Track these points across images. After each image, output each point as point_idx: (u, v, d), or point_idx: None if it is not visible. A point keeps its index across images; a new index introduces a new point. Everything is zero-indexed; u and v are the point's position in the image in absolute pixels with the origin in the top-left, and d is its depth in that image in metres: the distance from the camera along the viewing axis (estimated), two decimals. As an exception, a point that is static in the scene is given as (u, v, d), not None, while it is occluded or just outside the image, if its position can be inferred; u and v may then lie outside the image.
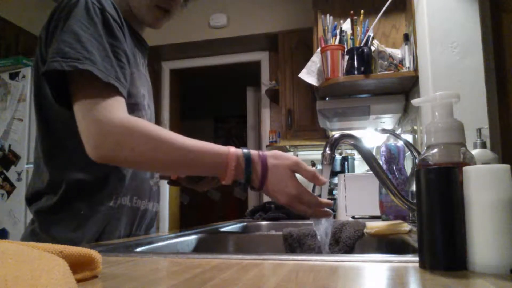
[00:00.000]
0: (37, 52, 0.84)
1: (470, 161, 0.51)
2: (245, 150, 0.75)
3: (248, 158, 0.74)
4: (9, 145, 2.75)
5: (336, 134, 0.83)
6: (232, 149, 0.74)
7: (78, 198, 0.82)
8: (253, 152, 0.75)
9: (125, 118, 0.73)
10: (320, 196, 0.79)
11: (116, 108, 0.73)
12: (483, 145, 1.10)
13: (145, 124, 0.73)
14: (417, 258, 0.46)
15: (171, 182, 1.19)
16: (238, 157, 0.74)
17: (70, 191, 0.82)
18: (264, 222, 1.50)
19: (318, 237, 0.78)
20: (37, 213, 0.84)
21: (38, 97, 0.86)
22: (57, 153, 0.84)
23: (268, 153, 0.77)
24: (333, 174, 2.25)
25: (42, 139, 0.86)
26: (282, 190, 0.75)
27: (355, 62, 1.64)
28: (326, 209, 0.78)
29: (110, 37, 0.78)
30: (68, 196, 0.82)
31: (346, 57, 1.69)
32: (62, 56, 0.71)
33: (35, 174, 0.88)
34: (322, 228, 0.78)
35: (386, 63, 1.61)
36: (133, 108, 0.86)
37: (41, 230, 0.82)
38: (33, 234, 0.82)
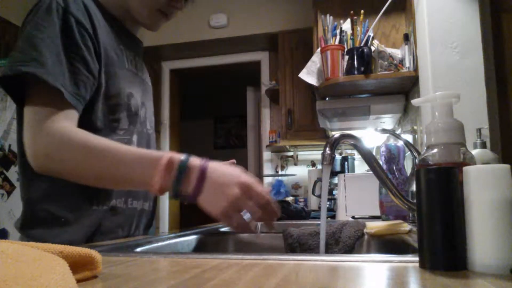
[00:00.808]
0: None
1: (470, 161, 0.51)
2: (183, 158, 0.66)
3: (183, 167, 0.65)
4: (9, 145, 2.75)
5: (336, 134, 0.83)
6: (166, 156, 0.66)
7: (52, 205, 0.80)
8: (193, 162, 0.66)
9: (60, 129, 0.70)
10: (319, 196, 0.79)
11: (55, 117, 0.71)
12: (483, 145, 1.10)
13: (79, 135, 0.71)
14: (417, 258, 0.46)
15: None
16: (172, 164, 0.66)
17: (43, 199, 0.80)
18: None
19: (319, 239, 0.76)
20: (21, 229, 0.82)
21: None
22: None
23: (216, 165, 0.67)
24: (333, 174, 2.25)
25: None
26: (225, 193, 0.64)
27: (355, 62, 1.64)
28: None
29: (67, 40, 0.75)
30: (42, 205, 0.80)
31: (346, 57, 1.69)
32: (10, 61, 0.71)
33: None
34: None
35: (386, 63, 1.61)
36: (114, 109, 0.84)
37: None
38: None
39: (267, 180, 3.43)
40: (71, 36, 0.76)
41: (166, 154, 0.67)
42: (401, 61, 1.65)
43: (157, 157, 0.67)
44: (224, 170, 0.66)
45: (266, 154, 3.53)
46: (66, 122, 0.72)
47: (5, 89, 0.75)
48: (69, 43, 0.75)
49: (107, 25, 0.86)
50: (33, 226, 0.80)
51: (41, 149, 0.70)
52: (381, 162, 1.20)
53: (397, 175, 1.21)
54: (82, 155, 0.70)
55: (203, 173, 0.65)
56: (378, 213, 1.24)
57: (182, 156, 0.67)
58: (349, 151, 2.86)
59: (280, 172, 3.46)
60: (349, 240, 0.90)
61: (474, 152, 1.07)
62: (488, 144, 1.15)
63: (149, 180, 0.66)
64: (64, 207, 0.80)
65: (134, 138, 0.91)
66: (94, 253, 0.42)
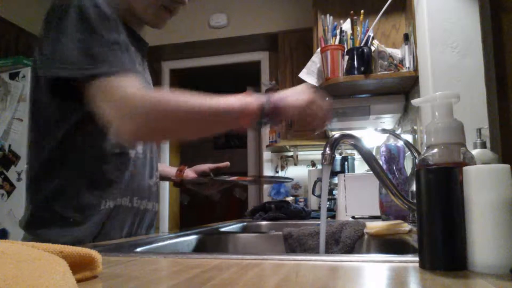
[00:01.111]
0: (36, 54, 0.83)
1: (470, 161, 0.51)
2: (264, 100, 0.77)
3: (267, 106, 0.77)
4: (9, 145, 2.75)
5: (336, 134, 0.83)
6: (252, 105, 0.77)
7: (60, 205, 0.82)
8: (272, 99, 0.78)
9: (146, 95, 0.73)
10: (319, 196, 0.79)
11: (131, 84, 0.73)
12: (483, 145, 1.10)
13: (173, 98, 0.74)
14: (417, 258, 0.46)
15: (176, 184, 1.21)
16: (260, 106, 0.77)
17: (51, 199, 0.81)
18: (264, 222, 1.50)
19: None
20: (27, 228, 0.83)
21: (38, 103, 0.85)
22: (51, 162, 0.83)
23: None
24: (333, 174, 2.24)
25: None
26: (302, 96, 0.80)
27: (355, 62, 1.64)
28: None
29: (112, 33, 0.77)
30: (50, 205, 0.81)
31: (346, 57, 1.68)
32: (71, 62, 0.72)
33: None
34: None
35: (386, 63, 1.61)
36: None
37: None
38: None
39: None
40: (113, 29, 0.79)
41: (249, 99, 0.77)
42: (401, 61, 1.65)
43: (245, 104, 0.76)
44: (292, 94, 0.81)
45: (266, 154, 3.53)
46: (143, 89, 0.75)
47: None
48: (116, 36, 0.78)
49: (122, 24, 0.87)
50: (39, 226, 0.81)
51: (142, 120, 0.72)
52: (381, 162, 1.20)
53: (397, 175, 1.21)
54: (183, 115, 0.74)
55: (278, 107, 0.78)
56: (378, 213, 1.24)
57: (262, 98, 0.78)
58: (349, 151, 2.86)
59: (280, 172, 3.46)
60: (349, 240, 0.90)
61: (474, 152, 1.07)
62: (488, 144, 1.14)
63: (239, 123, 0.78)
64: (71, 207, 0.81)
65: None
66: (94, 253, 0.42)
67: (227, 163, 1.26)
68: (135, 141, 0.76)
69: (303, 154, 3.40)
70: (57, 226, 0.81)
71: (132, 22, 0.94)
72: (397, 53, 1.68)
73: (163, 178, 1.21)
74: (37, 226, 0.82)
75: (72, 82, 0.75)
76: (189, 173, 1.24)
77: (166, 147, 3.76)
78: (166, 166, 1.37)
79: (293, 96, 0.81)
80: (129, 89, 0.72)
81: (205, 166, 1.25)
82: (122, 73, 0.74)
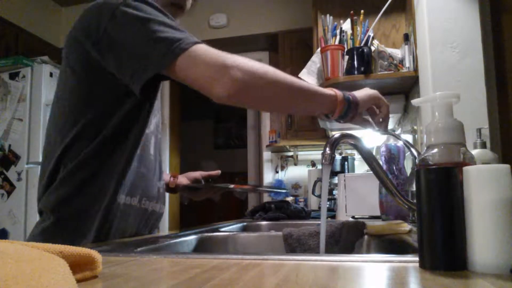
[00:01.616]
0: (76, 54, 0.83)
1: (470, 161, 0.51)
2: (347, 96, 0.86)
3: (349, 103, 0.86)
4: (9, 145, 2.75)
5: (336, 134, 0.83)
6: (339, 94, 0.85)
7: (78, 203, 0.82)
8: (351, 97, 0.87)
9: (241, 63, 0.75)
10: (319, 196, 0.79)
11: (222, 54, 0.76)
12: (483, 145, 1.10)
13: (270, 69, 0.79)
14: (417, 258, 0.46)
15: (169, 190, 1.21)
16: (343, 100, 0.85)
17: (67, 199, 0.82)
18: (264, 222, 1.50)
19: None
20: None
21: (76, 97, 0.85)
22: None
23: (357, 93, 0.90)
24: (333, 174, 2.24)
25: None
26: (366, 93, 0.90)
27: (355, 62, 1.64)
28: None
29: (165, 18, 0.79)
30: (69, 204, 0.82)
31: (346, 57, 1.68)
32: (172, 42, 0.74)
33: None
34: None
35: (386, 63, 1.61)
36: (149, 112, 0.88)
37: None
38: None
39: (267, 180, 3.43)
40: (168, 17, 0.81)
41: (336, 92, 0.85)
42: (401, 61, 1.65)
43: (332, 95, 0.85)
44: (363, 93, 0.90)
45: (266, 154, 3.53)
46: (230, 55, 0.77)
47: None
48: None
49: None
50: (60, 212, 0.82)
51: (236, 72, 0.74)
52: (381, 162, 1.20)
53: (397, 175, 1.21)
54: (274, 87, 0.79)
55: (357, 103, 0.87)
56: (378, 213, 1.24)
57: (345, 95, 0.86)
58: (349, 151, 2.86)
59: (280, 172, 3.46)
60: (349, 240, 0.90)
61: (474, 152, 1.07)
62: (488, 144, 1.14)
63: (324, 109, 0.86)
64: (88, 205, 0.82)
65: (152, 139, 0.94)
66: (94, 253, 0.42)
67: (218, 171, 1.29)
68: (230, 102, 0.78)
69: (303, 154, 3.40)
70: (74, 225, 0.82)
71: None
72: (397, 53, 1.68)
73: None
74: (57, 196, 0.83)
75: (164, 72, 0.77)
76: (182, 179, 1.25)
77: (166, 147, 3.76)
78: None
79: (362, 92, 0.90)
80: (221, 54, 0.76)
81: (197, 173, 1.27)
82: (200, 44, 0.76)
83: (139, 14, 0.76)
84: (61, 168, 0.83)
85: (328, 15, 1.82)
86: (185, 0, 0.93)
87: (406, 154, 1.30)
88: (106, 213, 0.83)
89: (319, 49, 1.77)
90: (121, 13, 0.76)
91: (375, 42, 1.75)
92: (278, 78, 0.78)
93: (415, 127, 1.60)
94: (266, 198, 3.28)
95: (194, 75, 0.76)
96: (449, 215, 0.43)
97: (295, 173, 3.40)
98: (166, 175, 1.24)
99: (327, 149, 0.80)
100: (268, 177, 3.45)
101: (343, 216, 1.63)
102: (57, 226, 0.81)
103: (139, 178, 0.89)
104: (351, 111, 0.86)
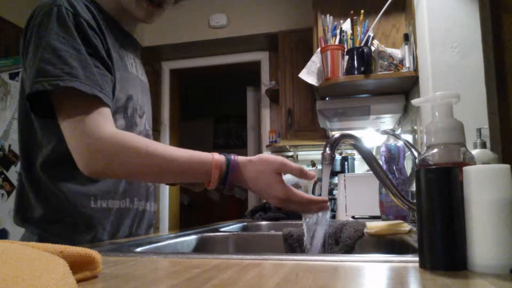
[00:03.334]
0: (21, 61, 0.83)
1: (470, 161, 0.51)
2: (228, 158, 0.77)
3: (228, 166, 0.76)
4: (9, 145, 2.74)
5: (336, 134, 0.83)
6: (216, 157, 0.76)
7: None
8: (235, 160, 0.77)
9: (113, 134, 0.73)
10: (320, 195, 0.80)
11: (103, 123, 0.74)
12: (483, 145, 1.10)
13: (132, 138, 0.75)
14: (417, 258, 0.46)
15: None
16: (221, 165, 0.76)
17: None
18: (264, 222, 1.50)
19: (304, 238, 0.80)
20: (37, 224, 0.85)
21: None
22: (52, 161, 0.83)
23: (254, 158, 0.79)
24: (333, 174, 2.24)
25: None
26: (270, 194, 0.77)
27: (355, 62, 1.63)
28: (323, 203, 0.79)
29: (87, 46, 0.77)
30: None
31: (346, 57, 1.68)
32: (44, 75, 0.71)
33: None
34: (312, 228, 0.79)
35: (386, 63, 1.61)
36: (114, 112, 0.85)
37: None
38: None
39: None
40: (89, 41, 0.77)
41: (211, 154, 0.77)
42: (401, 61, 1.65)
43: (207, 158, 0.76)
44: (256, 162, 0.79)
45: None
46: (113, 126, 0.76)
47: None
48: (90, 49, 0.77)
49: (107, 27, 0.85)
50: (46, 223, 0.83)
51: (101, 155, 0.73)
52: (381, 162, 1.20)
53: (397, 175, 1.21)
54: (140, 159, 0.74)
55: (246, 170, 0.78)
56: (378, 213, 1.24)
57: (226, 156, 0.78)
58: (349, 151, 2.86)
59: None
60: (349, 240, 0.90)
61: (474, 152, 1.07)
62: (488, 144, 1.14)
63: (203, 178, 0.77)
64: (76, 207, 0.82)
65: None
66: (94, 253, 0.42)
67: None
68: (94, 176, 0.77)
69: (303, 154, 3.40)
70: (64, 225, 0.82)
71: (124, 20, 0.92)
72: (397, 53, 1.68)
73: None
74: (47, 224, 0.83)
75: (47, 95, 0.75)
76: None
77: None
78: None
79: (252, 179, 0.79)
80: (98, 126, 0.73)
81: None
82: (91, 96, 0.73)
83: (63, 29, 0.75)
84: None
85: (328, 15, 1.82)
86: None
87: (406, 154, 1.30)
88: (93, 217, 0.83)
89: (319, 49, 1.77)
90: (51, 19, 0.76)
91: (375, 42, 1.75)
92: (145, 156, 0.75)
93: (415, 127, 1.60)
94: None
95: (68, 136, 0.75)
96: (449, 215, 0.43)
97: (295, 173, 3.39)
98: None
99: (327, 149, 0.80)
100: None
101: (343, 216, 1.63)
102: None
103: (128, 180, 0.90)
104: (230, 175, 0.77)
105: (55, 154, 0.81)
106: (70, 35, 0.75)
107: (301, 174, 0.78)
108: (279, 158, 0.78)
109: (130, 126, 0.90)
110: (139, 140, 0.75)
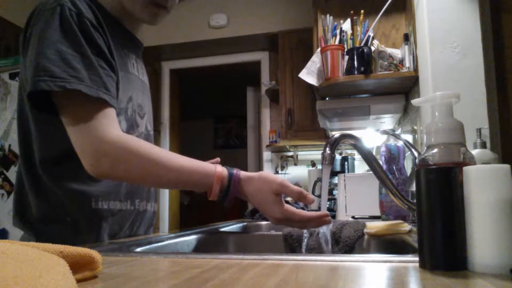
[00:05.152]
0: (20, 60, 0.82)
1: (470, 161, 0.51)
2: (231, 172, 0.77)
3: (229, 182, 0.76)
4: (9, 145, 2.74)
5: (336, 134, 0.83)
6: (218, 170, 0.76)
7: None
8: (237, 175, 0.77)
9: (118, 138, 0.74)
10: (319, 196, 0.80)
11: (108, 125, 0.74)
12: (483, 145, 1.10)
13: (137, 144, 0.75)
14: (417, 258, 0.46)
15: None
16: (223, 179, 0.76)
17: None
18: (264, 222, 1.50)
19: (304, 238, 0.79)
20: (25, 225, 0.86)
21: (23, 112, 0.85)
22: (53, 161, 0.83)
23: (255, 175, 0.78)
24: (333, 174, 2.25)
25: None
26: (269, 214, 0.77)
27: (355, 62, 1.63)
28: (324, 218, 0.78)
29: (91, 46, 0.76)
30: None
31: (346, 57, 1.68)
32: (50, 75, 0.71)
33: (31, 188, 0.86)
34: (322, 235, 0.79)
35: (386, 63, 1.61)
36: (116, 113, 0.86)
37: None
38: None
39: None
40: (93, 41, 0.77)
41: (214, 166, 0.77)
42: (401, 61, 1.65)
43: (210, 170, 0.76)
44: (256, 180, 0.78)
45: (266, 154, 3.53)
46: (118, 128, 0.76)
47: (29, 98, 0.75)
48: (94, 49, 0.77)
49: (108, 26, 0.85)
50: (46, 224, 0.83)
51: (106, 158, 0.73)
52: (381, 162, 1.20)
53: (397, 175, 1.21)
54: (142, 166, 0.74)
55: (246, 187, 0.77)
56: (378, 213, 1.24)
57: (229, 170, 0.77)
58: (349, 151, 2.86)
59: (280, 172, 3.46)
60: (349, 240, 0.90)
61: (474, 152, 1.07)
62: (488, 144, 1.14)
63: (204, 188, 0.77)
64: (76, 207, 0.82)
65: None
66: (94, 253, 0.42)
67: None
68: (99, 177, 0.78)
69: (303, 154, 3.40)
70: (62, 225, 0.82)
71: (126, 21, 0.92)
72: (397, 53, 1.68)
73: None
74: (44, 224, 0.83)
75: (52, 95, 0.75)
76: None
77: (165, 146, 3.76)
78: None
79: (255, 197, 0.78)
80: (104, 129, 0.73)
81: None
82: (97, 99, 0.73)
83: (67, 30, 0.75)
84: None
85: (328, 15, 1.82)
86: (167, 0, 0.89)
87: (406, 154, 1.30)
88: (94, 218, 0.83)
89: (319, 49, 1.77)
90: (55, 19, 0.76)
91: (375, 42, 1.75)
92: (150, 163, 0.75)
93: (415, 127, 1.60)
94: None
95: (73, 134, 0.75)
96: (449, 215, 0.43)
97: (295, 173, 3.40)
98: None
99: (327, 149, 0.80)
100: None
101: (343, 216, 1.63)
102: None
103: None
104: (231, 190, 0.77)
105: (55, 152, 0.81)
106: (74, 36, 0.75)
107: (300, 197, 0.77)
108: (278, 179, 0.77)
109: (131, 127, 0.90)
110: (143, 147, 0.75)
